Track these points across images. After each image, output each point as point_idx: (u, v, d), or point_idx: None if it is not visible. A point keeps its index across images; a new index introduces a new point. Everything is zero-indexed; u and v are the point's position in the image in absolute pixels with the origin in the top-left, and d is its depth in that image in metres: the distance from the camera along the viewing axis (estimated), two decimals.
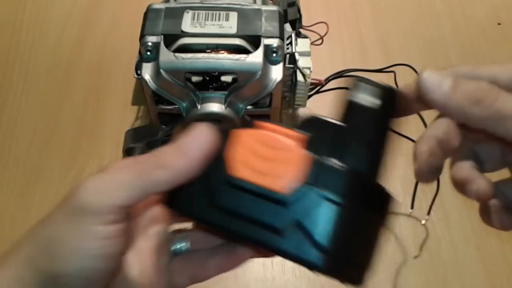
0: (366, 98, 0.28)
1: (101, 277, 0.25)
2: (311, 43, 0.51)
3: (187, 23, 0.46)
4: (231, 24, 0.46)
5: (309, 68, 0.49)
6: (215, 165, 0.25)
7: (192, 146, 0.25)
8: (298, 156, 0.24)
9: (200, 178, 0.25)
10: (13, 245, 0.25)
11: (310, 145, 0.25)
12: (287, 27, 0.52)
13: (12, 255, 0.25)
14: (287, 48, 0.49)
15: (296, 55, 0.49)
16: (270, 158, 0.25)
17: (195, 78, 0.47)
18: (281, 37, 0.46)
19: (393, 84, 0.59)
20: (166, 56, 0.45)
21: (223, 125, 0.30)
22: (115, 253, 0.25)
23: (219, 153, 0.25)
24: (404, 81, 0.60)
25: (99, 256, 0.24)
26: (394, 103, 0.28)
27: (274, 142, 0.25)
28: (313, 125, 0.27)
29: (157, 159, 0.25)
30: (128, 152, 0.54)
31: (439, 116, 0.31)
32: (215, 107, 0.46)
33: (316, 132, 0.26)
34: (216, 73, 0.46)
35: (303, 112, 0.58)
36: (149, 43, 0.45)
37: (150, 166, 0.25)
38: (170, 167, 0.25)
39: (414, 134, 0.57)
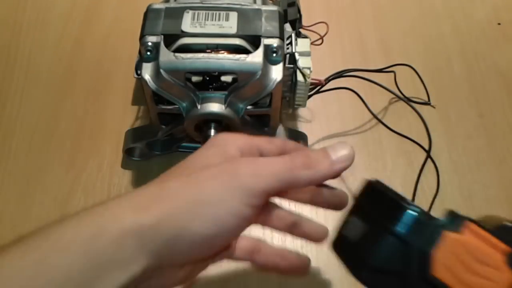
0: None
1: (212, 249, 0.29)
2: (311, 43, 0.51)
3: (187, 23, 0.46)
4: (231, 24, 0.46)
5: (309, 68, 0.49)
6: (418, 257, 0.26)
7: (339, 159, 0.31)
8: (505, 279, 0.26)
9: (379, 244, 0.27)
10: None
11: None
12: (287, 27, 0.52)
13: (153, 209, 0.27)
14: (287, 48, 0.49)
15: (296, 55, 0.49)
16: (476, 271, 0.26)
17: (195, 78, 0.47)
18: (281, 37, 0.46)
19: (393, 84, 0.59)
20: (166, 56, 0.45)
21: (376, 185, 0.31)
22: (236, 235, 0.30)
23: (424, 248, 0.26)
24: (404, 81, 0.60)
25: (228, 231, 0.28)
26: None
27: (482, 255, 0.26)
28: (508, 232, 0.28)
29: (307, 160, 0.30)
30: (128, 152, 0.54)
31: None
32: (215, 107, 0.46)
33: None
34: (216, 73, 0.46)
35: (302, 111, 0.58)
36: (149, 43, 0.45)
37: (301, 165, 0.30)
38: (316, 169, 0.30)
39: (414, 134, 0.57)
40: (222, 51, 0.46)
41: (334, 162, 0.31)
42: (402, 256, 0.27)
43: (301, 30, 0.54)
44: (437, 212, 0.51)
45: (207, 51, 0.45)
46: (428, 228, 0.27)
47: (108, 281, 0.25)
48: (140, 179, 0.54)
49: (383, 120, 0.58)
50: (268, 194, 0.29)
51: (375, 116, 0.56)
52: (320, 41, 0.55)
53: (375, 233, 0.29)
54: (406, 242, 0.27)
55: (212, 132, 0.47)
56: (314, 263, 0.48)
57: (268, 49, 0.45)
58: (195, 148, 0.51)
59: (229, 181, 0.28)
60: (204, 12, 0.47)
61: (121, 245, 0.26)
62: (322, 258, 0.49)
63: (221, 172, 0.29)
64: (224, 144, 0.32)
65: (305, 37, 0.52)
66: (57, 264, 0.25)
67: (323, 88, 0.53)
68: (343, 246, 0.31)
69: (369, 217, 0.30)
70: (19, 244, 0.25)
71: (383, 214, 0.29)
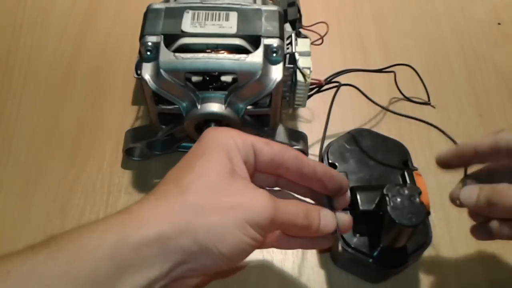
0: None
1: (232, 263, 0.32)
2: (311, 43, 0.51)
3: (187, 23, 0.46)
4: (231, 24, 0.46)
5: (309, 68, 0.49)
6: None
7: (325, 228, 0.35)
8: None
9: None
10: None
11: None
12: (287, 27, 0.52)
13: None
14: (287, 48, 0.49)
15: (296, 55, 0.49)
16: None
17: (195, 78, 0.47)
18: (281, 37, 0.46)
19: (393, 84, 0.59)
20: (166, 56, 0.45)
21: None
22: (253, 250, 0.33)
23: None
24: (404, 81, 0.60)
25: (246, 254, 0.32)
26: None
27: None
28: None
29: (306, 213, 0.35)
30: (128, 152, 0.54)
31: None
32: (215, 107, 0.46)
33: None
34: (216, 73, 0.46)
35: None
36: (149, 43, 0.45)
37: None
38: (310, 230, 0.35)
39: (414, 134, 0.57)
40: (222, 51, 0.45)
41: (321, 229, 0.35)
42: None
43: (301, 30, 0.54)
44: (438, 212, 0.51)
45: (207, 51, 0.45)
46: None
47: (129, 282, 0.28)
48: (140, 179, 0.54)
49: (383, 121, 0.58)
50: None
51: (381, 106, 0.56)
52: (320, 41, 0.55)
53: None
54: None
55: None
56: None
57: (268, 49, 0.45)
58: None
59: (237, 215, 0.30)
60: (204, 12, 0.47)
61: (143, 251, 0.29)
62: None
63: (227, 207, 0.31)
64: (224, 147, 0.33)
65: (305, 37, 0.52)
66: (84, 265, 0.28)
67: (323, 88, 0.53)
68: None
69: None
70: (51, 244, 0.28)
71: None
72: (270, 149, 0.34)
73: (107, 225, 0.29)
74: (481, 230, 0.41)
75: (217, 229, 0.30)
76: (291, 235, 0.37)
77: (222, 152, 0.33)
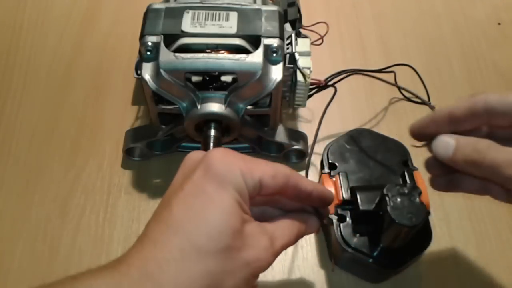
0: None
1: None
2: (311, 43, 0.51)
3: (187, 23, 0.46)
4: (231, 24, 0.46)
5: (309, 68, 0.49)
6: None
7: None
8: None
9: None
10: None
11: None
12: (287, 27, 0.52)
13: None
14: (287, 48, 0.49)
15: (296, 55, 0.49)
16: None
17: (195, 78, 0.47)
18: (281, 37, 0.46)
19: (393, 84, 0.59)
20: (166, 56, 0.45)
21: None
22: None
23: None
24: (404, 81, 0.60)
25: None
26: None
27: None
28: None
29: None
30: (128, 152, 0.54)
31: None
32: (215, 107, 0.46)
33: None
34: (216, 73, 0.46)
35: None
36: (149, 43, 0.45)
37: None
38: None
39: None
40: (222, 51, 0.45)
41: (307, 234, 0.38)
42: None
43: (301, 30, 0.54)
44: (438, 212, 0.51)
45: (207, 51, 0.45)
46: None
47: None
48: (140, 179, 0.54)
49: (383, 121, 0.58)
50: None
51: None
52: (320, 41, 0.55)
53: None
54: None
55: (212, 132, 0.47)
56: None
57: (268, 49, 0.45)
58: (195, 148, 0.51)
59: (246, 273, 0.31)
60: (204, 12, 0.47)
61: None
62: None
63: (239, 267, 0.31)
64: (235, 188, 0.32)
65: (305, 37, 0.52)
66: None
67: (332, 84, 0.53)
68: None
69: None
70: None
71: None
72: (276, 182, 0.34)
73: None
74: (442, 182, 0.40)
75: None
76: None
77: (234, 198, 0.31)
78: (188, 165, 0.34)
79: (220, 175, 0.32)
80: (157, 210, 0.33)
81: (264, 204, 0.38)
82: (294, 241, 0.36)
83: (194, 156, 0.34)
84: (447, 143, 0.35)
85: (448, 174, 0.40)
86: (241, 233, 0.31)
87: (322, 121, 0.50)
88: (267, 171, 0.33)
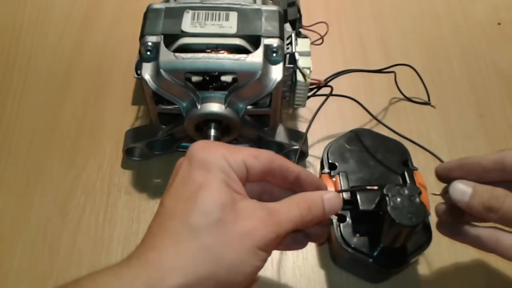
0: None
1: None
2: (311, 43, 0.51)
3: (187, 23, 0.46)
4: (231, 24, 0.46)
5: (309, 68, 0.49)
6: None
7: (331, 208, 0.37)
8: None
9: None
10: None
11: None
12: (287, 27, 0.52)
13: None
14: (287, 48, 0.49)
15: (296, 55, 0.49)
16: None
17: (195, 78, 0.47)
18: (281, 37, 0.46)
19: (393, 84, 0.59)
20: (166, 56, 0.45)
21: None
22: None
23: None
24: (404, 81, 0.60)
25: (257, 271, 0.33)
26: None
27: None
28: None
29: (308, 204, 0.35)
30: (128, 152, 0.54)
31: None
32: (215, 107, 0.46)
33: None
34: (216, 73, 0.46)
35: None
36: (149, 43, 0.45)
37: (306, 211, 0.35)
38: (313, 214, 0.35)
39: (414, 134, 0.57)
40: (222, 51, 0.45)
41: (327, 213, 0.36)
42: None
43: (301, 30, 0.54)
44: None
45: (207, 51, 0.45)
46: None
47: None
48: (140, 179, 0.54)
49: (383, 121, 0.58)
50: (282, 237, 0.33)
51: (375, 118, 0.56)
52: (320, 41, 0.55)
53: None
54: None
55: (212, 132, 0.47)
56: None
57: (268, 49, 0.45)
58: None
59: (247, 245, 0.31)
60: (204, 12, 0.47)
61: None
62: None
63: (237, 239, 0.31)
64: (220, 170, 0.33)
65: (305, 37, 0.52)
66: None
67: (322, 92, 0.53)
68: None
69: None
70: None
71: None
72: (259, 162, 0.35)
73: (132, 276, 0.30)
74: (449, 228, 0.41)
75: (235, 265, 0.31)
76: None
77: (220, 178, 0.33)
78: (177, 166, 0.36)
79: (203, 160, 0.33)
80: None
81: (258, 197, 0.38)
82: (305, 220, 0.34)
83: (180, 160, 0.36)
84: (464, 188, 0.37)
85: (456, 222, 0.41)
86: (233, 207, 0.32)
87: (322, 121, 0.50)
88: (249, 152, 0.35)
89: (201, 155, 0.34)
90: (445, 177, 0.40)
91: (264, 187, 0.38)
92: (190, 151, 0.34)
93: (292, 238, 0.39)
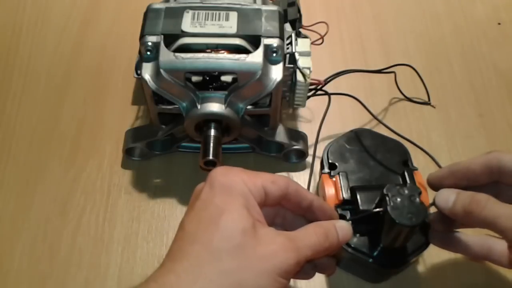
0: None
1: None
2: (311, 43, 0.51)
3: (187, 23, 0.46)
4: (231, 24, 0.46)
5: (309, 68, 0.49)
6: None
7: (344, 237, 0.37)
8: None
9: None
10: None
11: None
12: (287, 27, 0.52)
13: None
14: (287, 48, 0.49)
15: (296, 55, 0.49)
16: None
17: (195, 78, 0.47)
18: (281, 37, 0.46)
19: (393, 84, 0.59)
20: (166, 56, 0.45)
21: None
22: None
23: None
24: (404, 81, 0.60)
25: None
26: None
27: None
28: None
29: (325, 231, 0.36)
30: (128, 152, 0.54)
31: None
32: (215, 107, 0.46)
33: None
34: (216, 73, 0.46)
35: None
36: (149, 43, 0.45)
37: (323, 238, 0.35)
38: (330, 242, 0.36)
39: (414, 135, 0.57)
40: (222, 51, 0.45)
41: (340, 241, 0.36)
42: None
43: (301, 30, 0.54)
44: None
45: (207, 51, 0.45)
46: None
47: None
48: (140, 179, 0.54)
49: (384, 121, 0.58)
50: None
51: (376, 118, 0.56)
52: (320, 41, 0.55)
53: None
54: None
55: (212, 132, 0.47)
56: None
57: (268, 49, 0.45)
58: (195, 148, 0.51)
59: (267, 269, 0.31)
60: (204, 12, 0.47)
61: None
62: None
63: (257, 263, 0.31)
64: (241, 195, 0.34)
65: (305, 37, 0.52)
66: None
67: (322, 92, 0.53)
68: None
69: None
70: None
71: None
72: (277, 187, 0.35)
73: None
74: (440, 238, 0.42)
75: None
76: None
77: (241, 203, 0.33)
78: (196, 191, 0.36)
79: (224, 185, 0.34)
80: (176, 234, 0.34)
81: (272, 220, 0.39)
82: (323, 247, 0.35)
83: (199, 185, 0.36)
84: (448, 195, 0.37)
85: (449, 232, 0.41)
86: (253, 232, 0.32)
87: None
88: (267, 178, 0.35)
89: (222, 180, 0.34)
90: (438, 186, 0.40)
91: (278, 211, 0.39)
92: (211, 176, 0.35)
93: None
